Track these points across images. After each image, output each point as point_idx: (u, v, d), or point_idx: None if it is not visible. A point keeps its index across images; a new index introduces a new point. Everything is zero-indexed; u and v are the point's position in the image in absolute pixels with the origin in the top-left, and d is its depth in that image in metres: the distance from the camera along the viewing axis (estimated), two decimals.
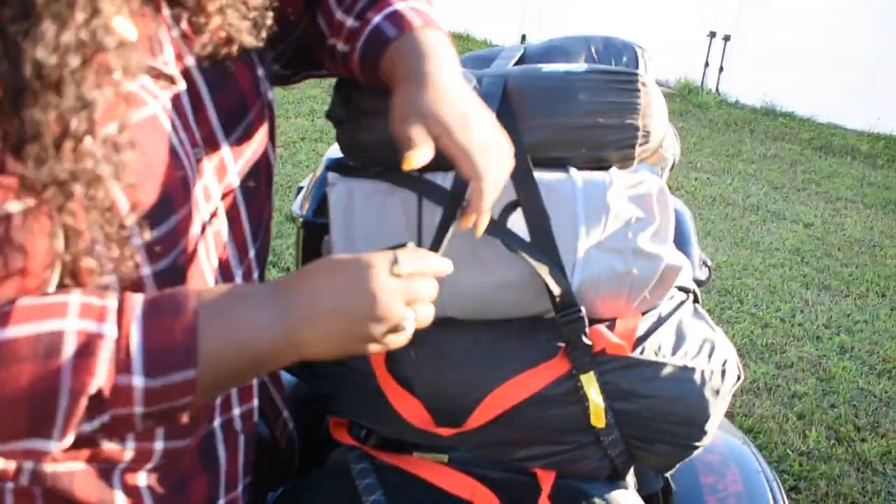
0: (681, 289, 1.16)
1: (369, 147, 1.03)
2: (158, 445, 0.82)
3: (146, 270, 0.76)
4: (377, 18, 0.91)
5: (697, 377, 1.06)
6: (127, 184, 0.70)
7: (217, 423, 0.91)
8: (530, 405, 1.04)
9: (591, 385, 1.04)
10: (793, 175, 5.80)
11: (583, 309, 1.01)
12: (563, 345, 1.03)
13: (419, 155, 0.79)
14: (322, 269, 0.75)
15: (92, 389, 0.66)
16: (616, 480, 1.16)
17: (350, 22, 0.95)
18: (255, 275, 0.94)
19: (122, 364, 0.67)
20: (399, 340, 0.77)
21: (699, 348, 1.08)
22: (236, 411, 0.93)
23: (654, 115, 1.04)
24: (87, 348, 0.66)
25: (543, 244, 0.99)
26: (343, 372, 1.10)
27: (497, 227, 0.98)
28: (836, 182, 5.79)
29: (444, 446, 1.12)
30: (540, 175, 1.00)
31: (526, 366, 1.04)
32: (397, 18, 0.90)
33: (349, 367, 1.09)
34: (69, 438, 0.68)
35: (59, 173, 0.65)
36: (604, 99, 1.01)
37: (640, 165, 1.08)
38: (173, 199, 0.76)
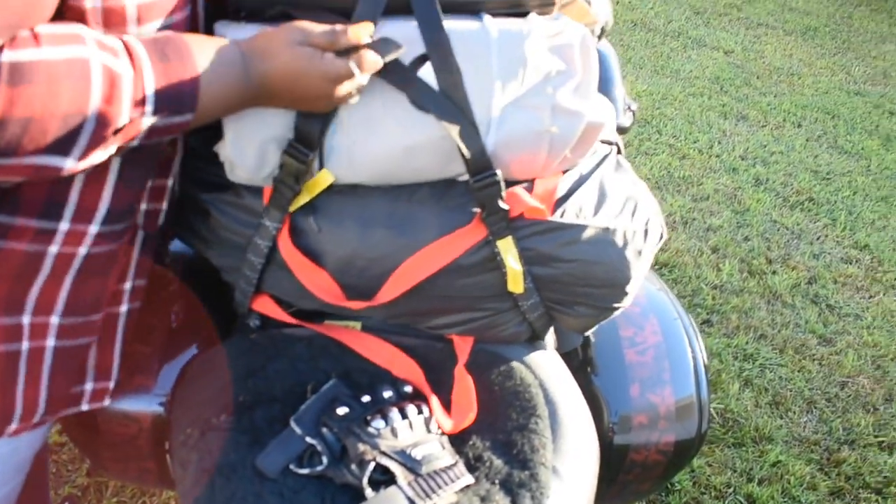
0: (603, 142, 1.09)
1: None
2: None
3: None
4: None
5: (619, 238, 1.01)
6: None
7: None
8: (444, 275, 0.99)
9: (508, 251, 0.98)
10: None
11: (498, 172, 0.94)
12: (478, 210, 0.96)
13: None
14: (278, 35, 0.82)
15: (119, 123, 0.71)
16: (534, 342, 1.12)
17: None
18: None
19: (138, 102, 0.73)
20: (350, 88, 0.85)
21: (622, 207, 1.03)
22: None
23: None
24: (111, 80, 0.70)
25: (455, 101, 0.90)
26: (240, 243, 1.02)
27: (406, 79, 0.88)
28: (758, 7, 5.73)
29: (356, 316, 1.06)
30: (450, 24, 0.89)
31: (439, 233, 0.97)
32: None
33: (250, 241, 1.00)
34: (84, 163, 0.73)
35: None
36: None
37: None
38: None
